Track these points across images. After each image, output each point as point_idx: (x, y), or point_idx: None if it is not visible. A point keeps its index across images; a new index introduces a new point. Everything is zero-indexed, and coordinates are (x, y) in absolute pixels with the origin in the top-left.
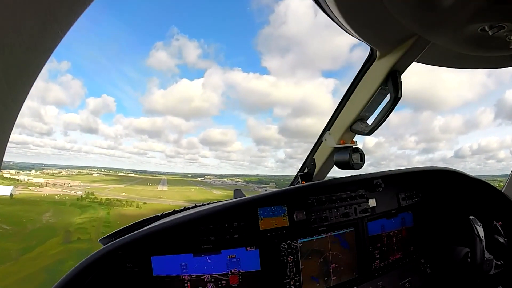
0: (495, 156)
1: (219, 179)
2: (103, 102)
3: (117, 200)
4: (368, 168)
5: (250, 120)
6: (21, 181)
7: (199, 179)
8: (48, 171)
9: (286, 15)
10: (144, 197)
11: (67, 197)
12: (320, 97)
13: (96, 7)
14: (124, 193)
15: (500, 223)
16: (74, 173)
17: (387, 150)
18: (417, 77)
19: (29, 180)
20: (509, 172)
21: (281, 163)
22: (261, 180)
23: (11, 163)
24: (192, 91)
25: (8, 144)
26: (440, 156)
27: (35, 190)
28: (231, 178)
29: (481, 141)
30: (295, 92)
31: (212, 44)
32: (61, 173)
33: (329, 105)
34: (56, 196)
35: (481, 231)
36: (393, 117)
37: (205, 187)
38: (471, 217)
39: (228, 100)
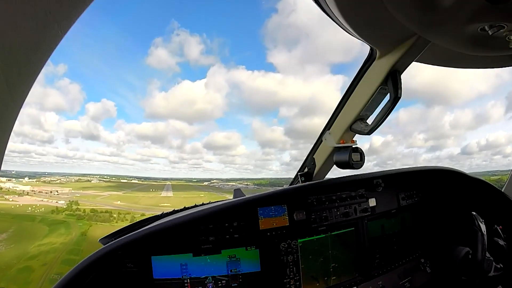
0: (501, 151)
1: (227, 183)
2: (103, 107)
3: (106, 211)
4: (374, 169)
5: (255, 122)
6: (1, 188)
7: (205, 183)
8: (46, 178)
9: (296, 2)
10: (143, 206)
11: (43, 208)
12: (330, 94)
13: (89, 7)
14: (119, 202)
15: (501, 227)
16: (73, 181)
17: (394, 149)
18: (431, 70)
19: (13, 188)
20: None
21: (286, 165)
22: (272, 183)
23: (13, 172)
24: (194, 93)
25: (11, 154)
26: (447, 154)
27: (11, 199)
28: (238, 182)
29: (489, 136)
30: (302, 90)
31: (215, 39)
32: (59, 181)
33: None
34: (30, 208)
35: (483, 226)
36: (402, 114)
37: (215, 192)
38: (473, 213)
39: (232, 101)
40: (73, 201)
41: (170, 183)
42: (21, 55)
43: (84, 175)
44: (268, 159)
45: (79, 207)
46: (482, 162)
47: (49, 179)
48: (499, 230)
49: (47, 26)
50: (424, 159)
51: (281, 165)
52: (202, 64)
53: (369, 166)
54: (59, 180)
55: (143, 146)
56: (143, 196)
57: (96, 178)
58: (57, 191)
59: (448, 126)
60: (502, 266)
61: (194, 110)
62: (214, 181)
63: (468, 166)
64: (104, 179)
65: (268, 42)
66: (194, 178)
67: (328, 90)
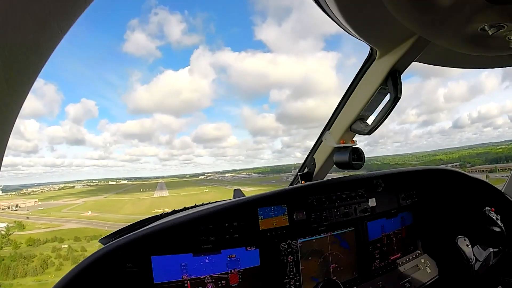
0: (493, 123)
1: (226, 175)
2: (84, 107)
3: (54, 238)
4: (364, 148)
5: (245, 109)
6: None
7: (201, 177)
8: (28, 189)
9: None
10: (126, 215)
11: None
12: (324, 72)
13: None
14: (89, 212)
15: (493, 209)
16: (57, 188)
17: (386, 127)
18: None
19: None
20: (505, 139)
21: (278, 153)
22: (274, 169)
23: (1, 187)
24: (178, 82)
25: None
26: (439, 128)
27: None
28: (236, 172)
29: (481, 108)
30: (294, 69)
31: (198, 14)
32: (41, 191)
33: (335, 81)
34: None
35: (469, 252)
36: None
37: (217, 185)
38: (458, 237)
39: (220, 87)
40: (8, 227)
41: (163, 181)
42: (21, 55)
43: (72, 182)
44: (260, 148)
45: (19, 233)
46: (472, 136)
47: (31, 190)
48: (492, 215)
49: (47, 26)
50: (414, 135)
51: (273, 153)
52: (185, 45)
53: (360, 146)
54: (41, 191)
55: (131, 145)
56: (130, 199)
57: (83, 183)
58: (17, 205)
59: (443, 99)
60: (501, 248)
61: (180, 100)
62: (209, 174)
63: (458, 141)
64: (91, 184)
65: (256, 16)
66: (187, 174)
67: (322, 68)
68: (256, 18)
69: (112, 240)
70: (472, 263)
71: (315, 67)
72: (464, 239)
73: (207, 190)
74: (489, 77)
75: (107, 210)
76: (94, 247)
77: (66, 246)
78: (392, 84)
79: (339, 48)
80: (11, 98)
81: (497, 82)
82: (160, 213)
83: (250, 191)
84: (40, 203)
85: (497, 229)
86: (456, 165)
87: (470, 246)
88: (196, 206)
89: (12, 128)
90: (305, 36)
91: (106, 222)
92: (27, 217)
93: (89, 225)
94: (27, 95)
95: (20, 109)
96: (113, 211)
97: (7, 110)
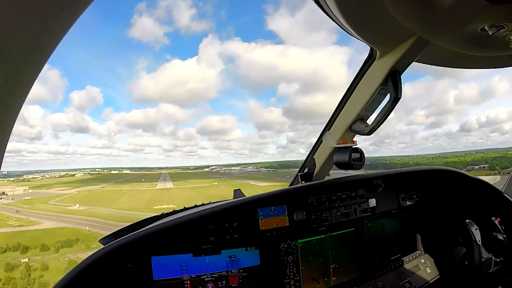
0: (500, 128)
1: (232, 168)
2: (88, 94)
3: (16, 247)
4: (369, 148)
5: (252, 102)
6: None
7: (205, 170)
8: (28, 176)
9: None
10: (118, 210)
11: None
12: (335, 67)
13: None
14: (77, 206)
15: (499, 219)
16: (57, 176)
17: (393, 127)
18: None
19: None
20: (510, 145)
21: (283, 148)
22: (281, 164)
23: (4, 172)
24: (185, 71)
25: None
26: (445, 131)
27: None
28: (243, 166)
29: (489, 112)
30: (305, 62)
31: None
32: (41, 178)
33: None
34: None
35: (477, 235)
36: (408, 88)
37: (224, 178)
38: (467, 220)
39: (227, 78)
40: None
41: (167, 172)
42: (21, 55)
43: (75, 170)
44: (264, 142)
45: None
46: (478, 140)
47: (31, 176)
48: (497, 224)
49: (47, 26)
50: (421, 137)
51: (278, 148)
52: (194, 31)
53: (365, 145)
54: (41, 177)
55: (135, 135)
56: (128, 189)
57: (84, 172)
58: (3, 192)
59: (453, 101)
60: (502, 259)
61: (186, 90)
62: (214, 167)
63: (463, 144)
64: (92, 172)
65: (269, 4)
66: (191, 166)
67: (333, 63)
68: (268, 7)
69: (112, 240)
70: (480, 244)
71: (327, 61)
72: (474, 223)
73: (216, 183)
74: (502, 80)
75: (99, 202)
76: (60, 261)
77: (26, 260)
78: (392, 84)
79: (352, 43)
80: (11, 98)
81: (509, 86)
82: (160, 214)
83: (264, 186)
84: (30, 191)
85: (500, 237)
86: (483, 167)
87: (478, 230)
88: (196, 206)
89: (12, 128)
90: (318, 28)
91: (92, 219)
92: (17, 211)
93: (69, 224)
94: (27, 95)
95: (20, 109)
96: (105, 204)
97: (7, 110)
